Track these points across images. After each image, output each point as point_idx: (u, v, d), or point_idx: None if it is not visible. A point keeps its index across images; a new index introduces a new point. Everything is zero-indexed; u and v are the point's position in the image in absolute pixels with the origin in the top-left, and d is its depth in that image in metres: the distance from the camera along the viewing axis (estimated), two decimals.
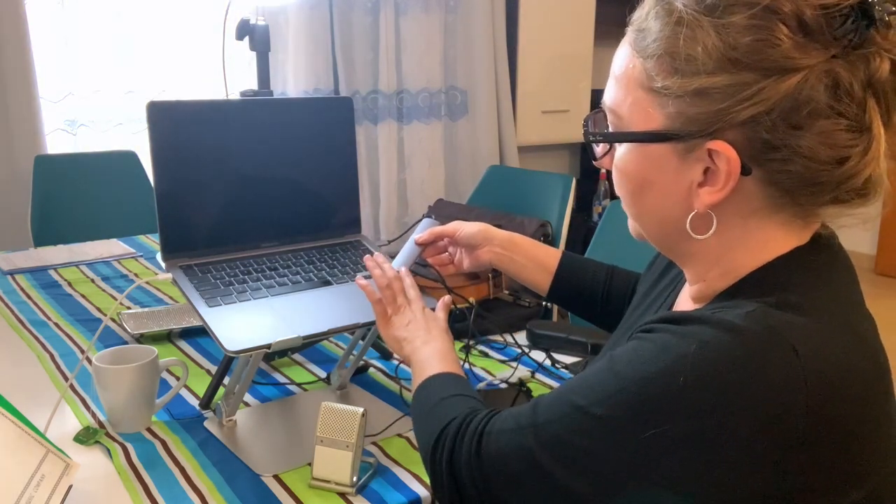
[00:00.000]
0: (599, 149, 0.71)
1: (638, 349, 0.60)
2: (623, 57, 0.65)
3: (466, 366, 1.30)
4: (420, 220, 2.11)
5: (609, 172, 0.71)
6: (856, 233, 4.50)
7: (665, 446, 0.55)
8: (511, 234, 1.09)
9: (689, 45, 0.58)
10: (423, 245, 1.10)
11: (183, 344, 1.41)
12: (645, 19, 0.63)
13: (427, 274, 1.24)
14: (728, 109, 0.58)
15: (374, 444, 1.05)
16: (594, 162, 0.73)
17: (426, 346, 0.91)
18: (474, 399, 0.79)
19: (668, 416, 0.55)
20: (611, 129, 0.68)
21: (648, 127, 0.63)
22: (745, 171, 0.59)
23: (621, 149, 0.67)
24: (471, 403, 0.77)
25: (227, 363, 1.16)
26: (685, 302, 0.74)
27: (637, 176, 0.66)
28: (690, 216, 0.64)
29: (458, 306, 1.43)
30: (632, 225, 0.73)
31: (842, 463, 0.54)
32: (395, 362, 1.33)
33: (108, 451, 1.02)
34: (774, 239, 0.63)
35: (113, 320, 1.51)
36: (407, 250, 1.10)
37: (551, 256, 1.08)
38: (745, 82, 0.56)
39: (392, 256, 1.10)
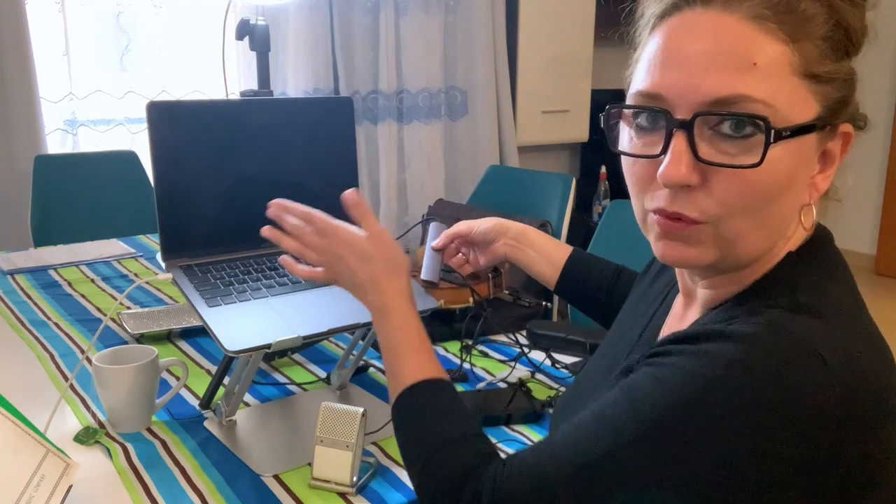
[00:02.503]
0: (717, 154, 0.58)
1: (658, 378, 0.57)
2: (754, 40, 0.56)
3: (467, 366, 1.30)
4: (420, 222, 2.11)
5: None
6: (856, 233, 4.51)
7: (706, 477, 0.53)
8: (524, 226, 1.10)
9: (845, 29, 0.59)
10: (441, 250, 1.12)
11: (183, 344, 1.41)
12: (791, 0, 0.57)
13: (448, 278, 1.25)
14: (853, 92, 0.60)
15: (374, 444, 1.05)
16: (686, 179, 0.57)
17: (387, 318, 0.81)
18: (470, 424, 0.74)
19: (704, 446, 0.53)
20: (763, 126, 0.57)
21: (806, 117, 0.58)
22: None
23: (778, 148, 0.57)
24: (473, 445, 0.71)
25: (227, 363, 1.16)
26: (685, 312, 0.73)
27: (785, 176, 0.58)
28: (802, 210, 0.62)
29: (460, 306, 1.44)
30: (720, 248, 0.60)
31: (869, 466, 0.54)
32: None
33: (108, 451, 1.02)
34: (795, 227, 0.64)
35: (113, 320, 1.51)
36: (430, 259, 1.13)
37: (561, 252, 1.09)
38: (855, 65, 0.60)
39: None
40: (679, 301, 0.75)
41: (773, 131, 0.56)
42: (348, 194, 0.87)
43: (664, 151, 0.58)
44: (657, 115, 0.60)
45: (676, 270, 0.74)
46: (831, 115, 0.59)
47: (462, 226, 1.11)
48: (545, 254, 1.09)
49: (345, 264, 0.85)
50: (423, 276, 1.12)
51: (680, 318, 0.74)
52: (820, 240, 0.65)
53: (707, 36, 0.57)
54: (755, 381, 0.52)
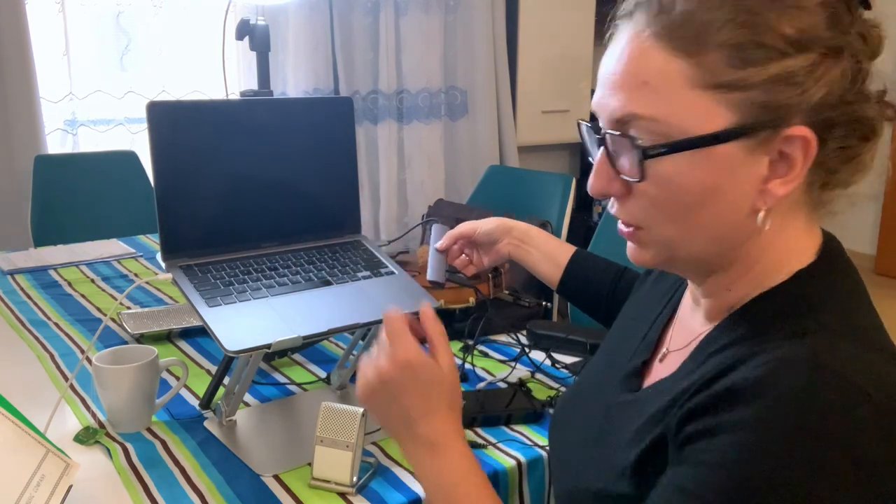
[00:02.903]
0: (630, 169, 0.61)
1: (716, 465, 0.53)
2: (646, 60, 0.59)
3: (467, 366, 1.30)
4: (421, 223, 2.11)
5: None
6: (856, 233, 4.50)
7: None
8: (528, 226, 1.11)
9: (760, 31, 0.56)
10: (445, 251, 1.13)
11: (183, 344, 1.41)
12: (682, 15, 0.58)
13: (453, 279, 1.26)
14: (803, 93, 0.56)
15: (374, 444, 1.05)
16: (603, 191, 0.63)
17: (440, 456, 0.70)
18: None
19: None
20: (647, 142, 0.59)
21: (713, 127, 0.57)
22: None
23: (671, 162, 0.59)
24: None
25: (227, 363, 1.16)
26: (692, 316, 0.71)
27: (698, 186, 0.59)
28: (760, 215, 0.59)
29: (460, 306, 1.44)
30: (657, 253, 0.64)
31: None
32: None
33: (108, 451, 1.02)
34: (795, 234, 0.62)
35: (113, 320, 1.51)
36: (434, 260, 1.14)
37: (564, 251, 1.10)
38: (815, 63, 0.56)
39: (392, 256, 1.10)
40: (688, 303, 0.73)
41: (641, 149, 0.59)
42: (426, 309, 0.75)
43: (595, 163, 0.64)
44: (592, 129, 0.65)
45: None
46: (761, 121, 0.57)
47: (465, 227, 1.12)
48: (548, 253, 1.10)
49: (399, 384, 0.71)
50: (428, 277, 1.13)
51: (685, 323, 0.73)
52: (830, 253, 0.64)
53: (615, 55, 0.61)
54: (819, 442, 0.51)
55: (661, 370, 0.71)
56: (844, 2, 0.57)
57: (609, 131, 0.61)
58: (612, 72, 0.61)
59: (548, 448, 0.86)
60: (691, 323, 0.71)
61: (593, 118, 0.66)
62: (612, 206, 0.65)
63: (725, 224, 0.61)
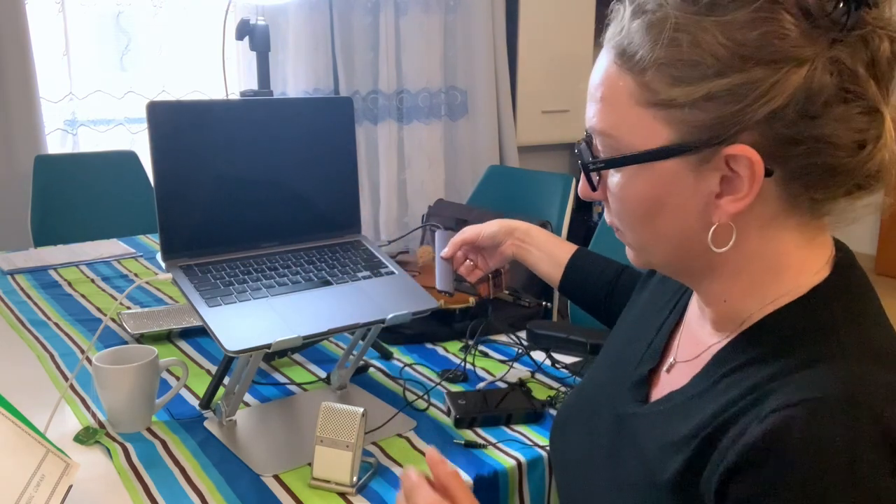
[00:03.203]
0: (595, 178, 0.66)
1: None
2: (607, 76, 0.61)
3: (468, 366, 1.30)
4: (421, 226, 2.10)
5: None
6: (856, 233, 4.50)
7: None
8: (529, 225, 1.12)
9: (693, 49, 0.55)
10: (450, 259, 1.14)
11: (183, 344, 1.41)
12: (627, 34, 0.59)
13: (460, 288, 1.26)
14: (743, 110, 0.55)
15: (374, 444, 1.05)
16: (590, 195, 0.67)
17: None
18: None
19: None
20: (604, 155, 0.63)
21: (654, 143, 0.59)
22: (766, 172, 0.56)
23: (622, 174, 0.62)
24: None
25: (227, 363, 1.16)
26: (699, 325, 0.70)
27: (646, 198, 0.61)
28: (711, 230, 0.60)
29: (460, 306, 1.44)
30: (636, 255, 0.68)
31: None
32: (396, 362, 1.33)
33: (108, 451, 1.02)
34: (792, 245, 0.60)
35: (113, 320, 1.51)
36: (441, 270, 1.15)
37: (565, 250, 1.10)
38: (757, 79, 0.54)
39: (392, 256, 1.10)
40: (695, 311, 0.72)
41: (585, 163, 0.63)
42: (431, 454, 0.73)
43: None
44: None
45: None
46: (700, 139, 0.57)
47: (468, 232, 1.13)
48: (549, 252, 1.10)
49: None
50: (438, 286, 1.15)
51: (696, 331, 0.71)
52: (843, 267, 0.62)
53: (594, 70, 0.64)
54: (868, 494, 0.50)
55: (668, 381, 0.70)
56: (805, 10, 0.54)
57: (579, 141, 0.65)
58: (589, 83, 0.64)
59: (549, 450, 0.85)
60: (699, 332, 0.70)
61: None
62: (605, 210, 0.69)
63: (683, 235, 0.62)
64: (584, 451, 0.75)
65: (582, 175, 0.67)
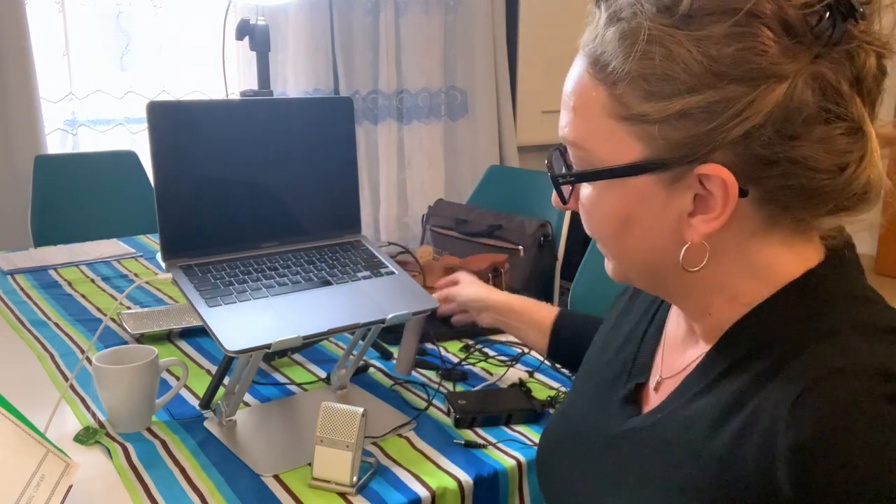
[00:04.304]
0: (566, 190, 0.64)
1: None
2: (579, 85, 0.59)
3: (467, 366, 1.30)
4: (422, 225, 2.10)
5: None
6: (856, 233, 4.50)
7: None
8: (507, 299, 1.13)
9: (666, 64, 0.53)
10: (417, 344, 1.19)
11: (183, 344, 1.41)
12: (601, 43, 0.56)
13: (422, 366, 1.29)
14: (718, 128, 0.52)
15: (374, 444, 1.05)
16: (562, 206, 0.66)
17: None
18: None
19: None
20: (576, 166, 0.61)
21: (625, 159, 0.57)
22: (741, 192, 0.54)
23: (593, 187, 0.60)
24: None
25: (227, 363, 1.16)
26: (684, 340, 0.67)
27: (617, 214, 0.59)
28: (684, 249, 0.57)
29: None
30: (613, 267, 0.66)
31: None
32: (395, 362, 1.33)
33: (108, 451, 1.02)
34: (777, 256, 0.58)
35: (113, 320, 1.51)
36: (404, 352, 1.18)
37: (545, 314, 1.09)
38: (732, 96, 0.51)
39: (392, 256, 1.10)
40: (678, 328, 0.70)
41: (555, 175, 0.61)
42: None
43: None
44: None
45: None
46: (672, 156, 0.54)
47: (448, 292, 1.18)
48: (531, 322, 1.11)
49: None
50: (396, 369, 1.19)
51: (680, 347, 0.69)
52: (820, 273, 0.59)
53: (568, 76, 0.62)
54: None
55: (658, 398, 0.67)
56: (787, 25, 0.51)
57: (552, 150, 0.64)
58: (563, 90, 0.62)
59: (539, 484, 0.80)
60: (683, 347, 0.67)
61: None
62: None
63: (654, 253, 0.60)
64: (579, 481, 0.70)
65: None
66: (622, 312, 0.81)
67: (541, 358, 1.33)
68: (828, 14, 0.51)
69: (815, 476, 0.49)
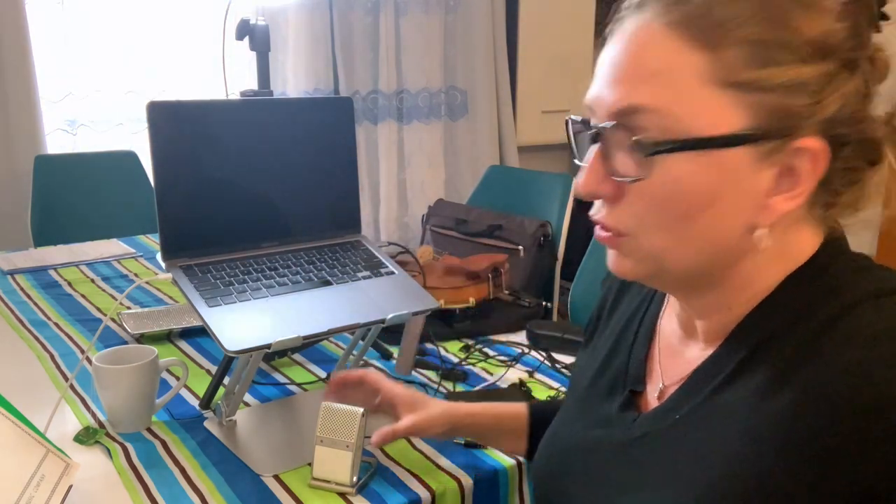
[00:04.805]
0: (627, 167, 0.56)
1: None
2: (656, 48, 0.54)
3: (467, 366, 1.30)
4: (423, 224, 2.10)
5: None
6: (856, 233, 4.50)
7: None
8: (469, 410, 0.96)
9: (784, 31, 0.52)
10: (418, 334, 1.18)
11: (183, 344, 1.41)
12: (705, 4, 0.54)
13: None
14: (819, 103, 0.53)
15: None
16: (595, 192, 0.58)
17: None
18: None
19: None
20: (654, 137, 0.55)
21: (723, 129, 0.53)
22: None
23: (669, 161, 0.54)
24: None
25: (227, 363, 1.16)
26: (684, 344, 0.66)
27: (698, 192, 0.55)
28: (758, 232, 0.56)
29: (460, 306, 1.44)
30: (641, 265, 0.60)
31: None
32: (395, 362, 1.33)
33: (108, 451, 1.02)
34: (799, 241, 0.59)
35: (113, 320, 1.51)
36: (406, 348, 1.19)
37: (518, 416, 0.96)
38: (835, 72, 0.53)
39: (392, 256, 1.10)
40: (672, 332, 0.68)
41: (647, 143, 0.54)
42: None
43: (584, 163, 0.59)
44: (583, 126, 0.60)
45: (675, 300, 0.68)
46: (775, 128, 0.53)
47: (408, 422, 0.94)
48: (503, 430, 0.96)
49: None
50: (397, 369, 1.20)
51: (677, 350, 0.67)
52: (830, 252, 0.59)
53: (620, 45, 0.57)
54: None
55: (661, 402, 0.65)
56: (866, 14, 0.55)
57: (607, 124, 0.56)
58: (616, 63, 0.56)
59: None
60: (681, 350, 0.66)
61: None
62: (598, 211, 0.61)
63: (719, 238, 0.57)
64: (590, 496, 0.68)
65: (590, 167, 0.58)
66: (600, 329, 0.79)
67: (541, 357, 1.33)
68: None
69: None
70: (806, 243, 0.59)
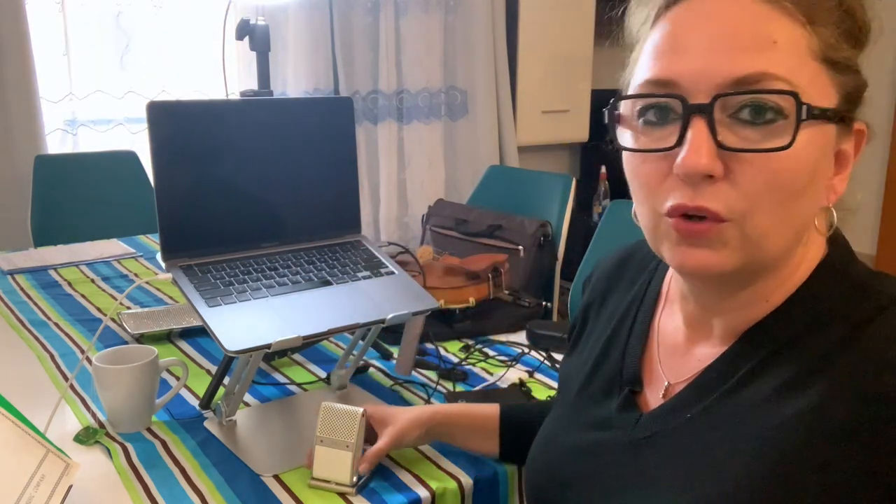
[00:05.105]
0: (747, 139, 0.53)
1: None
2: (771, 21, 0.53)
3: (467, 366, 1.30)
4: (423, 224, 2.09)
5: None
6: (856, 233, 4.50)
7: None
8: (438, 410, 0.98)
9: (859, 15, 0.55)
10: (418, 334, 1.18)
11: (183, 344, 1.41)
12: None
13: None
14: (864, 85, 0.56)
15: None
16: (712, 168, 0.52)
17: None
18: None
19: None
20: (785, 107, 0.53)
21: (827, 104, 0.54)
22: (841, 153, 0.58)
23: (802, 131, 0.52)
24: None
25: (227, 363, 1.16)
26: (692, 342, 0.65)
27: (812, 167, 0.54)
28: (833, 214, 0.58)
29: (460, 306, 1.44)
30: (736, 254, 0.55)
31: None
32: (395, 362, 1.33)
33: (108, 451, 1.02)
34: (818, 237, 0.60)
35: (113, 320, 1.51)
36: (406, 348, 1.19)
37: (491, 417, 0.97)
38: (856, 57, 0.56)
39: (393, 256, 1.10)
40: (675, 332, 0.67)
41: (805, 107, 0.51)
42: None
43: (680, 142, 0.53)
44: (668, 104, 0.55)
45: (681, 298, 0.66)
46: (848, 108, 0.56)
47: (386, 437, 0.96)
48: (476, 430, 0.98)
49: None
50: (397, 369, 1.19)
51: (681, 352, 0.66)
52: (840, 251, 0.60)
53: (721, 19, 0.53)
54: None
55: (667, 400, 0.64)
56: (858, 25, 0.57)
57: (743, 91, 0.52)
58: (724, 34, 0.53)
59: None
60: (688, 349, 0.65)
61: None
62: (694, 197, 0.54)
63: (809, 218, 0.56)
64: (595, 499, 0.67)
65: (701, 141, 0.52)
66: (587, 333, 0.78)
67: (541, 357, 1.33)
68: None
69: None
70: (820, 239, 0.60)
